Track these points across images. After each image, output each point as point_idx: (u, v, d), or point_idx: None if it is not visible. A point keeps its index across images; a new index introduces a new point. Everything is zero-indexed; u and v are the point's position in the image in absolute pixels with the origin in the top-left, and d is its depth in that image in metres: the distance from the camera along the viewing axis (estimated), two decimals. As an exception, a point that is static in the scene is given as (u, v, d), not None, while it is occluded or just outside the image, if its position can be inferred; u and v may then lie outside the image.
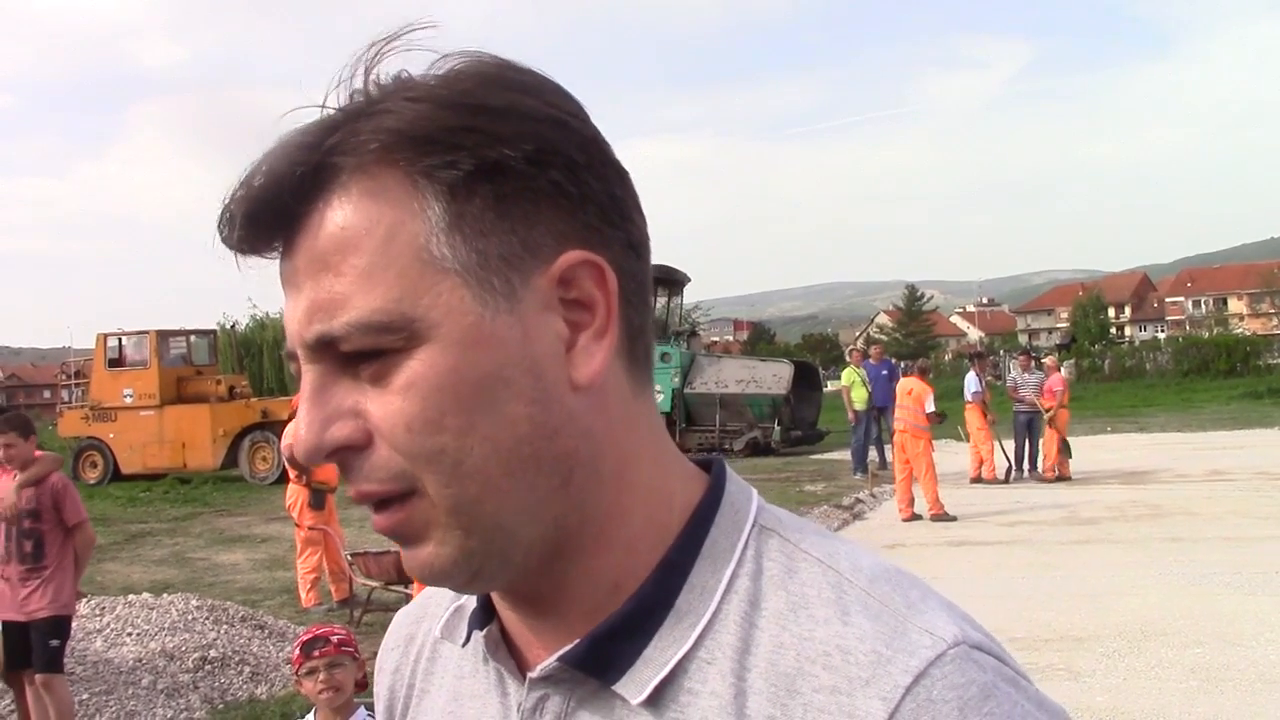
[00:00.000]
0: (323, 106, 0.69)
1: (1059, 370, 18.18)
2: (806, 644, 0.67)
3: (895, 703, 0.63)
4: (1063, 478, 16.46)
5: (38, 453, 5.98)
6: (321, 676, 3.77)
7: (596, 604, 0.72)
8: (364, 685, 3.99)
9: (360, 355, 0.67)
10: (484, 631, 0.78)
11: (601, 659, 0.71)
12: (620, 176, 0.72)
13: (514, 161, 0.67)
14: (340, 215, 0.67)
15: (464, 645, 0.81)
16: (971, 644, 0.66)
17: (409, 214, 0.66)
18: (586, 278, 0.69)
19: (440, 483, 0.67)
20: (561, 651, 0.72)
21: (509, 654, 0.77)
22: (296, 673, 3.92)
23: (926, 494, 13.34)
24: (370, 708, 3.97)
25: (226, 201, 0.69)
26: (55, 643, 5.81)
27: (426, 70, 0.69)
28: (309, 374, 0.69)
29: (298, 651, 3.90)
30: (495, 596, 0.78)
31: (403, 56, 0.70)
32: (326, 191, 0.67)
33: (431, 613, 0.88)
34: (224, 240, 0.70)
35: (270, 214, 0.68)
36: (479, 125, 0.66)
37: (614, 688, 0.70)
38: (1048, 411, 16.71)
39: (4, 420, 5.94)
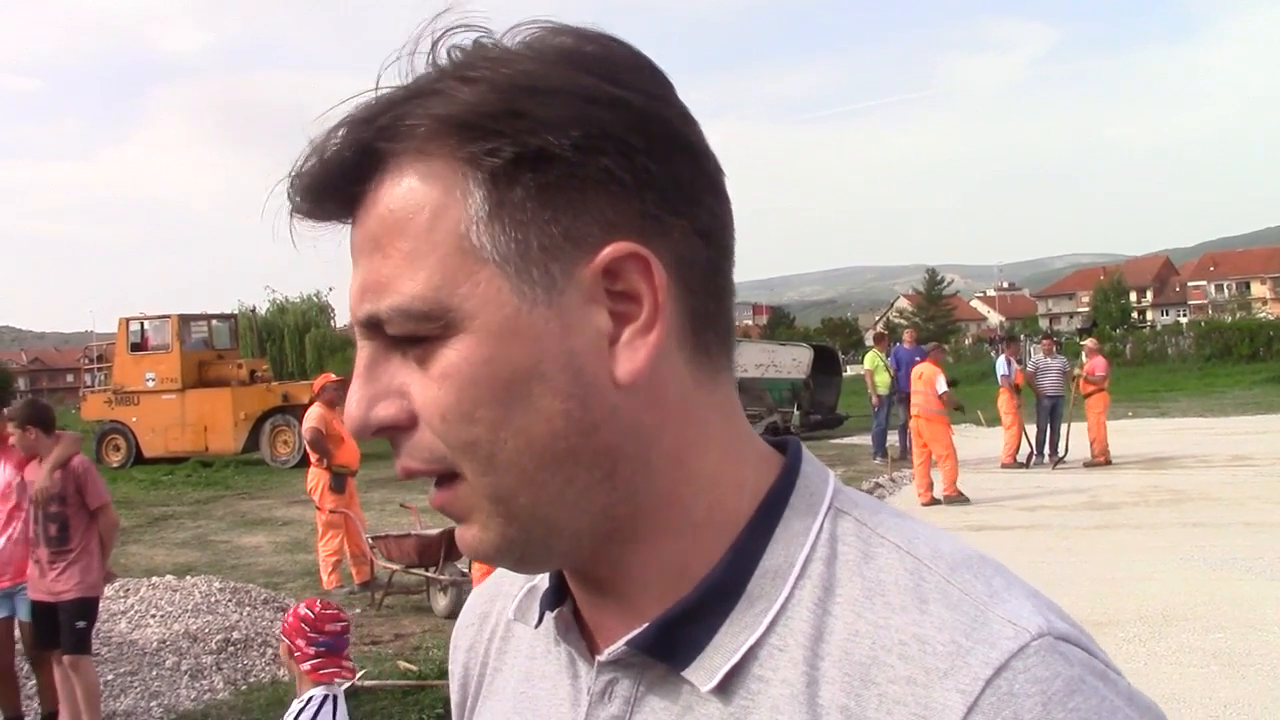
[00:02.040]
0: (375, 89, 0.68)
1: (1100, 354, 17.88)
2: (882, 632, 0.65)
3: (974, 696, 0.60)
4: (1105, 463, 16.21)
5: (57, 432, 6.05)
6: None
7: (664, 589, 0.70)
8: (345, 672, 3.74)
9: (405, 338, 0.67)
10: (555, 613, 0.77)
11: (670, 644, 0.69)
12: (692, 158, 0.69)
13: (558, 148, 0.64)
14: (389, 197, 0.67)
15: (536, 627, 0.80)
16: (1057, 635, 0.63)
17: (452, 200, 0.65)
18: (633, 270, 0.66)
19: (477, 471, 0.67)
20: (630, 635, 0.70)
21: (580, 636, 0.76)
22: None
23: (945, 476, 13.31)
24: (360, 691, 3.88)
25: (292, 172, 0.69)
26: (82, 624, 5.87)
27: (499, 39, 0.68)
28: (363, 350, 0.69)
29: None
30: (567, 576, 0.76)
31: (478, 22, 0.68)
32: (380, 172, 0.67)
33: (506, 591, 0.87)
34: (292, 208, 0.70)
35: (327, 193, 0.68)
36: (525, 109, 0.64)
37: (683, 674, 0.68)
38: (1084, 391, 16.54)
39: (29, 414, 6.00)
